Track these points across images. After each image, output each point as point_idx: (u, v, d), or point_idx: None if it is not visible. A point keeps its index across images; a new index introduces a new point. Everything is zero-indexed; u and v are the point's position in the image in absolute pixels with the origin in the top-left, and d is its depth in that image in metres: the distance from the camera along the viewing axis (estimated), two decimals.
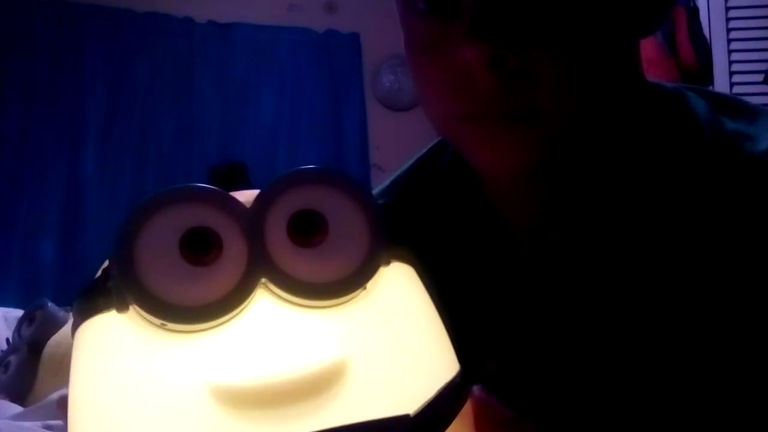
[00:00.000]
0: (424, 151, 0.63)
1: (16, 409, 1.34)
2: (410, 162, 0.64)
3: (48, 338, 1.54)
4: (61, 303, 1.71)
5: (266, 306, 0.28)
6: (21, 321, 1.62)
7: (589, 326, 0.49)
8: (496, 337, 0.53)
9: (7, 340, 1.65)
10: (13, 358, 1.52)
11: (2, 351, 1.60)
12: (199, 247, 0.27)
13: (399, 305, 0.31)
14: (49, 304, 1.60)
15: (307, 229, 0.28)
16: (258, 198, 0.29)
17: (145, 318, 0.27)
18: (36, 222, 2.75)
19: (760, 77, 2.22)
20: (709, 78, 2.27)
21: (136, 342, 0.27)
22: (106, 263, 0.30)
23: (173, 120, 2.98)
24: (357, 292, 0.29)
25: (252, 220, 0.28)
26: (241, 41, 3.11)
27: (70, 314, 1.67)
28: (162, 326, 0.26)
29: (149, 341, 0.27)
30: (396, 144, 3.13)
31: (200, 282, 0.27)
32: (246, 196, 0.29)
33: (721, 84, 2.31)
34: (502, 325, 0.53)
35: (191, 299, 0.26)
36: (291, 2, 3.17)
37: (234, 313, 0.27)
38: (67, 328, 1.59)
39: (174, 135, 2.98)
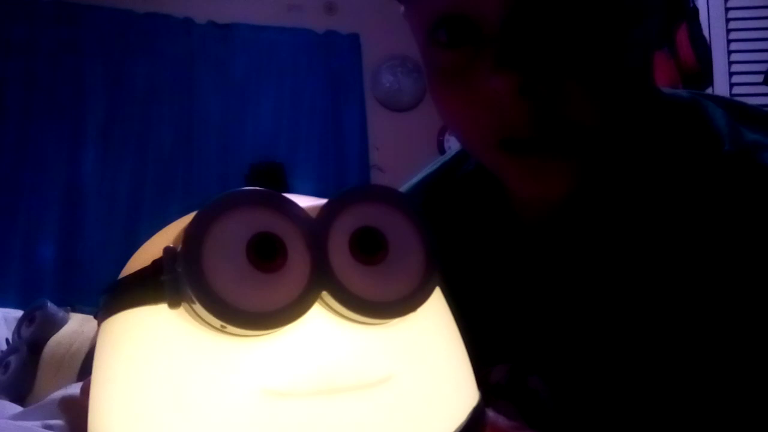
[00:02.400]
0: (450, 156, 0.63)
1: (16, 409, 1.33)
2: (435, 165, 0.64)
3: (48, 338, 1.54)
4: (61, 303, 1.71)
5: (317, 316, 0.28)
6: (21, 321, 1.62)
7: (600, 333, 0.49)
8: (504, 342, 0.53)
9: (7, 340, 1.65)
10: (13, 358, 1.52)
11: (2, 351, 1.60)
12: (266, 254, 0.27)
13: (433, 324, 0.31)
14: (49, 304, 1.60)
15: (369, 247, 0.29)
16: (323, 210, 0.29)
17: (203, 318, 0.26)
18: (36, 222, 2.75)
19: (760, 77, 2.22)
20: (709, 78, 2.27)
21: (186, 339, 0.27)
22: (141, 255, 0.30)
23: (173, 120, 2.98)
24: (412, 313, 0.29)
25: (317, 232, 0.28)
26: (241, 41, 3.11)
27: (70, 314, 1.67)
28: (221, 328, 0.26)
29: (200, 340, 0.27)
30: (396, 144, 3.13)
31: (265, 288, 0.26)
32: (300, 202, 0.29)
33: (721, 84, 2.31)
34: (511, 330, 0.53)
35: (255, 305, 0.26)
36: (291, 2, 3.16)
37: (294, 322, 0.27)
38: (67, 328, 1.59)
39: (174, 135, 2.98)
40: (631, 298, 0.48)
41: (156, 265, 0.28)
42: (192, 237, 0.26)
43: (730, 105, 0.53)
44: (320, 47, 3.20)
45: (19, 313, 1.86)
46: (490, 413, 0.35)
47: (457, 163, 0.62)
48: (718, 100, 0.53)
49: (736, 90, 2.32)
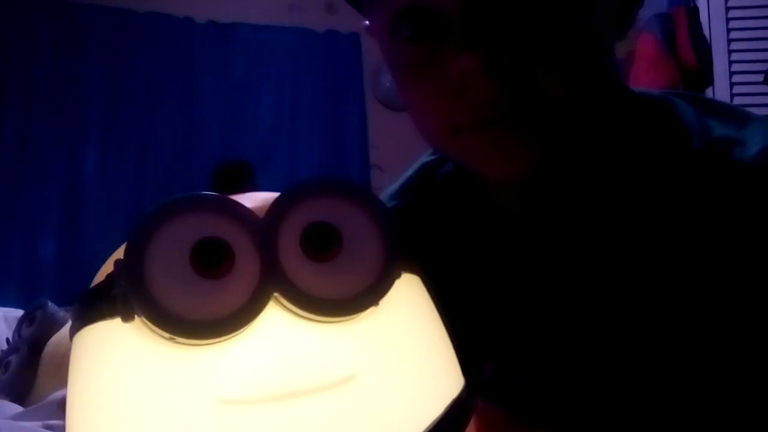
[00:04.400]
0: (429, 159, 0.63)
1: (16, 409, 1.33)
2: (415, 167, 0.64)
3: (48, 338, 1.54)
4: (61, 303, 1.70)
5: (275, 318, 0.27)
6: (21, 321, 1.62)
7: (584, 328, 0.50)
8: (494, 339, 0.53)
9: (7, 340, 1.65)
10: (13, 358, 1.52)
11: (2, 351, 1.60)
12: (211, 259, 0.26)
13: (407, 318, 0.30)
14: (49, 304, 1.60)
15: (321, 243, 0.28)
16: (271, 209, 0.28)
17: (153, 330, 0.26)
18: (36, 222, 2.75)
19: (760, 77, 2.22)
20: (709, 78, 2.27)
21: (142, 352, 0.26)
22: (106, 267, 0.29)
23: (173, 120, 2.98)
24: (370, 308, 0.28)
25: (265, 232, 0.27)
26: (241, 41, 3.11)
27: (70, 314, 1.66)
28: (171, 339, 0.26)
29: (156, 352, 0.26)
30: (396, 144, 3.12)
31: (212, 295, 0.26)
32: (254, 201, 0.28)
33: (721, 84, 2.31)
34: (500, 328, 0.53)
35: (202, 313, 0.25)
36: (291, 2, 3.16)
37: (245, 328, 0.26)
38: (67, 328, 1.59)
39: (174, 135, 2.98)
40: (610, 292, 0.49)
41: (109, 279, 0.27)
42: (132, 249, 0.26)
43: (699, 101, 0.53)
44: (320, 47, 3.20)
45: (19, 313, 1.86)
46: (486, 406, 0.35)
47: (435, 165, 0.62)
48: (688, 97, 0.54)
49: (737, 90, 2.32)
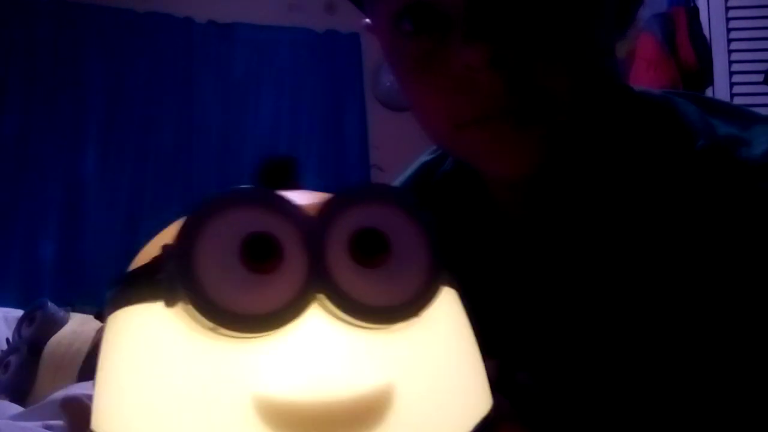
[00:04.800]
0: (428, 158, 0.63)
1: (16, 409, 1.34)
2: (415, 167, 0.64)
3: (48, 338, 1.54)
4: (61, 303, 1.71)
5: (316, 319, 0.27)
6: (21, 321, 1.62)
7: (584, 328, 0.49)
8: (493, 339, 0.53)
9: (7, 340, 1.65)
10: (13, 358, 1.52)
11: (2, 351, 1.60)
12: (260, 254, 0.26)
13: (443, 331, 0.30)
14: (49, 304, 1.60)
15: (369, 249, 0.28)
16: (323, 210, 0.28)
17: (195, 318, 0.26)
18: (36, 222, 2.75)
19: (760, 77, 2.21)
20: (709, 78, 2.27)
21: (182, 339, 0.26)
22: (146, 250, 0.29)
23: (173, 120, 2.98)
24: (411, 319, 0.28)
25: (315, 232, 0.27)
26: (241, 41, 3.11)
27: (70, 314, 1.67)
28: (212, 329, 0.26)
29: (195, 340, 0.26)
30: (396, 144, 3.12)
31: (258, 290, 0.26)
32: (302, 198, 0.29)
33: (721, 84, 2.31)
34: (499, 327, 0.53)
35: (247, 307, 0.26)
36: (291, 2, 3.16)
37: (287, 325, 0.26)
38: (67, 328, 1.59)
39: (174, 135, 2.98)
40: (612, 292, 0.49)
41: (155, 262, 0.27)
42: (184, 236, 0.26)
43: (701, 100, 0.53)
44: (320, 47, 3.19)
45: (19, 313, 1.86)
46: (512, 427, 0.35)
47: (435, 164, 0.62)
48: (689, 96, 0.54)
49: (737, 89, 2.32)
